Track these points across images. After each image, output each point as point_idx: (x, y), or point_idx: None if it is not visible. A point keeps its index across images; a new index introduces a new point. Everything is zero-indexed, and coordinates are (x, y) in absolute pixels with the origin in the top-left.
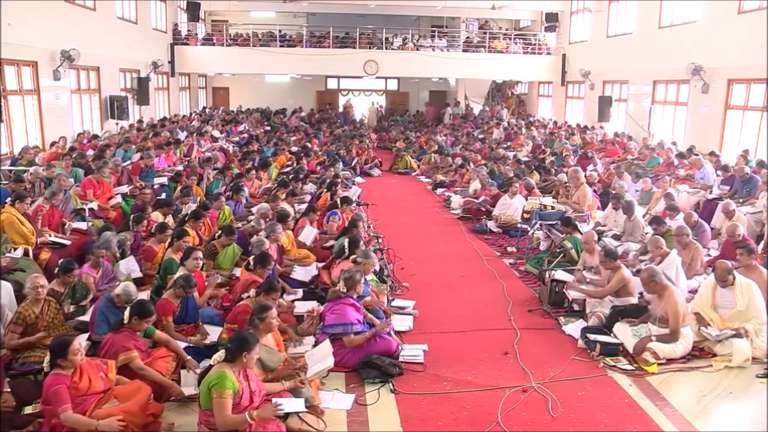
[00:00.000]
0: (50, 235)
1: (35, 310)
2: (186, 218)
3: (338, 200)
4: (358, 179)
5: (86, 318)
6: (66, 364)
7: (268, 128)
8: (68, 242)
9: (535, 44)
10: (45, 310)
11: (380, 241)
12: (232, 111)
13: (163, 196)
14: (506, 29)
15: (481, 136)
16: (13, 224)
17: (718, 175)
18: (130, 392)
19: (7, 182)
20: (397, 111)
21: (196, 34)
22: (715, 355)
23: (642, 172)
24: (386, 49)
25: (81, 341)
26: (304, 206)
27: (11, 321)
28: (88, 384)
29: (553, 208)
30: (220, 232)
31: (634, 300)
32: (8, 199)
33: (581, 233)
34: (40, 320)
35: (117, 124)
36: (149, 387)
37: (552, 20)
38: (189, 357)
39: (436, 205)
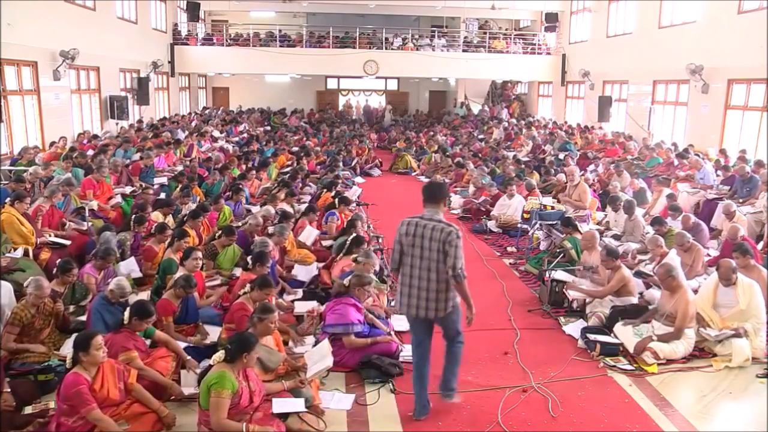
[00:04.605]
0: (50, 235)
1: (31, 311)
2: (185, 218)
3: (336, 200)
4: (358, 179)
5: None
6: (88, 360)
7: (268, 128)
8: (68, 242)
9: (535, 44)
10: (41, 310)
11: (380, 241)
12: (232, 111)
13: (163, 196)
14: (506, 29)
15: (481, 137)
16: (12, 224)
17: (718, 175)
18: (137, 415)
19: (7, 182)
20: (397, 111)
21: (196, 34)
22: (715, 355)
23: (641, 172)
24: (386, 49)
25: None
26: (304, 206)
27: (8, 322)
28: (106, 395)
29: (553, 208)
30: (220, 232)
31: (635, 300)
32: (8, 199)
33: (581, 233)
34: (36, 319)
35: (117, 124)
36: (155, 414)
37: (552, 20)
38: (189, 357)
39: None
